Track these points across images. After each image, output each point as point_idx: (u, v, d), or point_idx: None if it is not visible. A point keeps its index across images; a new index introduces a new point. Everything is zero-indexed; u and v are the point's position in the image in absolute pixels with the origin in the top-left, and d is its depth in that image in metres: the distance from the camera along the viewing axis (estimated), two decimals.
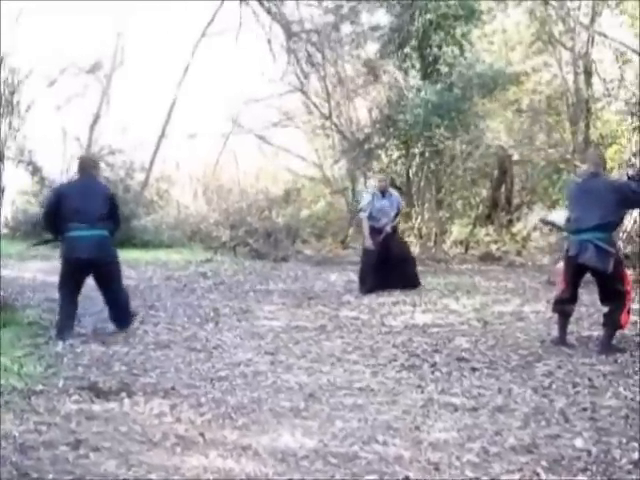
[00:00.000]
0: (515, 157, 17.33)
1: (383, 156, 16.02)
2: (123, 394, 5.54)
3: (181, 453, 4.43)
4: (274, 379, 6.14)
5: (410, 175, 17.98)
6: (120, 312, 7.90)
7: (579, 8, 14.33)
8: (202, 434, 4.74)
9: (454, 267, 14.17)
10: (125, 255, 15.06)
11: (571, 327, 8.08)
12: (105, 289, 7.83)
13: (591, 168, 7.58)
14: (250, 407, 5.36)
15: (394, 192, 11.55)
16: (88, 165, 8.08)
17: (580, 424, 5.00)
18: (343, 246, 17.64)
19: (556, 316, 7.71)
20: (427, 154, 14.93)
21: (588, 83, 14.43)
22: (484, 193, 17.12)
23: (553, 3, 14.34)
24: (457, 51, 13.58)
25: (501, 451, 4.51)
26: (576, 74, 14.00)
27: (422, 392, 5.84)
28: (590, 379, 6.12)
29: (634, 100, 15.41)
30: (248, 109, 20.20)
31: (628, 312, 7.36)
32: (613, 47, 15.27)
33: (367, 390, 5.87)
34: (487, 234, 17.39)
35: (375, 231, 10.93)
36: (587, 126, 14.13)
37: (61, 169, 18.47)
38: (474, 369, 6.52)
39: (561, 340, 7.44)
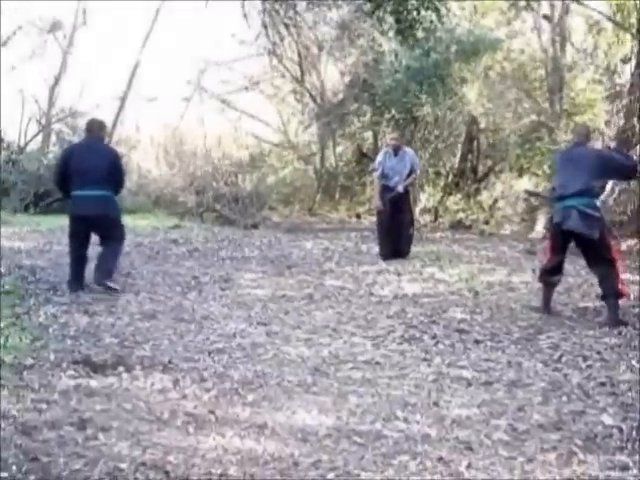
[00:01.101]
0: (482, 125, 17.20)
1: (356, 121, 15.70)
2: (120, 368, 5.23)
3: (195, 433, 4.16)
4: (274, 351, 5.88)
5: (379, 142, 17.78)
6: (102, 267, 7.94)
7: None
8: (212, 412, 4.47)
9: (427, 235, 13.96)
10: None
11: (563, 298, 8.04)
12: (103, 245, 8.09)
13: (575, 138, 7.62)
14: (256, 382, 5.11)
15: (409, 151, 11.18)
16: (94, 127, 8.20)
17: (602, 400, 4.85)
18: (310, 213, 17.39)
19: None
20: (401, 120, 14.65)
21: (562, 51, 14.25)
22: (455, 161, 16.91)
23: None
24: (434, 16, 13.26)
25: (529, 428, 4.34)
26: (553, 41, 13.81)
27: (429, 365, 5.65)
28: (599, 352, 5.98)
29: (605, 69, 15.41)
30: (211, 73, 19.77)
31: (622, 282, 7.22)
32: (586, 15, 15.14)
33: (372, 363, 5.65)
34: (455, 202, 17.26)
35: (388, 190, 10.65)
36: (560, 94, 13.98)
37: (19, 130, 17.84)
38: (477, 341, 6.35)
39: (546, 309, 7.38)
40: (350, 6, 14.25)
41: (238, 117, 21.13)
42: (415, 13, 12.75)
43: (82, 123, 17.45)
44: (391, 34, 13.04)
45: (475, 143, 17.75)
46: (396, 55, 12.90)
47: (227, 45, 20.26)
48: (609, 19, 14.38)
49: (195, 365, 5.43)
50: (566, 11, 14.45)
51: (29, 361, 5.32)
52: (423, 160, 15.02)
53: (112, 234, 8.06)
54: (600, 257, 7.14)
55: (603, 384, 5.17)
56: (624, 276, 7.83)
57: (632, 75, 14.11)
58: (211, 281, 8.92)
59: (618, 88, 15.06)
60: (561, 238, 7.30)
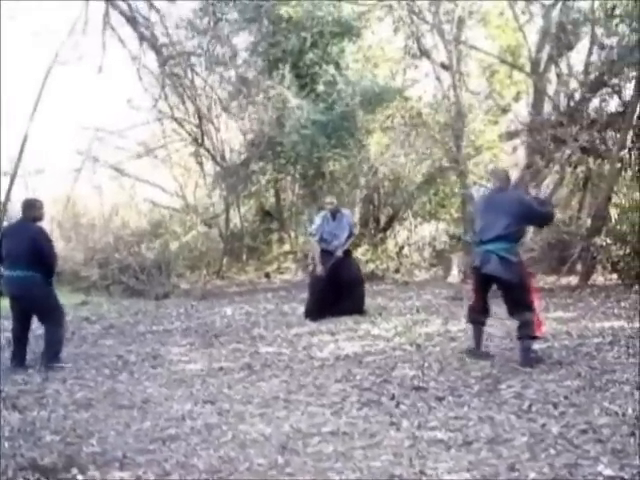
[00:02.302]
0: (384, 173, 17.22)
1: (261, 179, 15.47)
2: (74, 470, 4.74)
3: None
4: (232, 432, 5.49)
5: (281, 198, 17.61)
6: (47, 350, 8.13)
7: (447, 21, 14.37)
8: None
9: None
10: None
11: (507, 343, 7.93)
12: (41, 323, 8.32)
13: (497, 183, 7.68)
14: (225, 469, 4.72)
15: (346, 212, 11.08)
16: (23, 207, 8.28)
17: (591, 448, 4.69)
18: (219, 277, 16.96)
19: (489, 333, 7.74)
20: (308, 176, 14.51)
21: (460, 95, 14.48)
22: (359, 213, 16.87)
23: (419, 16, 14.32)
24: (334, 70, 13.27)
25: None
26: (454, 86, 14.00)
27: (398, 429, 5.38)
28: (566, 397, 5.86)
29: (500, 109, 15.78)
30: (104, 141, 19.22)
31: (539, 322, 7.24)
32: (479, 59, 15.49)
33: (340, 434, 5.34)
34: (362, 253, 17.16)
35: (327, 254, 10.45)
36: (460, 137, 14.16)
37: None
38: (439, 398, 6.12)
39: (477, 349, 7.44)
40: (249, 64, 14.10)
41: (132, 184, 20.64)
42: (315, 67, 12.72)
43: None
44: (293, 89, 12.93)
45: (376, 192, 17.74)
46: (301, 110, 12.72)
47: (118, 112, 19.77)
48: (502, 61, 14.73)
49: (153, 457, 4.98)
50: (459, 57, 14.70)
51: None
52: None
53: (45, 315, 8.16)
54: (519, 301, 7.17)
55: (585, 431, 5.01)
56: (549, 314, 7.83)
57: (530, 113, 14.45)
58: (139, 359, 8.42)
59: (514, 127, 15.42)
60: (482, 281, 7.41)
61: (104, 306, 13.06)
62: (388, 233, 18.02)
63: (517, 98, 16.36)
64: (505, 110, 16.35)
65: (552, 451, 4.68)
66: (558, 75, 14.06)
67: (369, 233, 17.60)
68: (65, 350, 8.97)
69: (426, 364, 7.34)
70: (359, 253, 17.03)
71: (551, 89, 14.71)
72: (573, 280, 11.86)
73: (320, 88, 13.35)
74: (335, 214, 10.52)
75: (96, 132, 19.63)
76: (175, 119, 15.54)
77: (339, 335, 9.09)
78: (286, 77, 12.95)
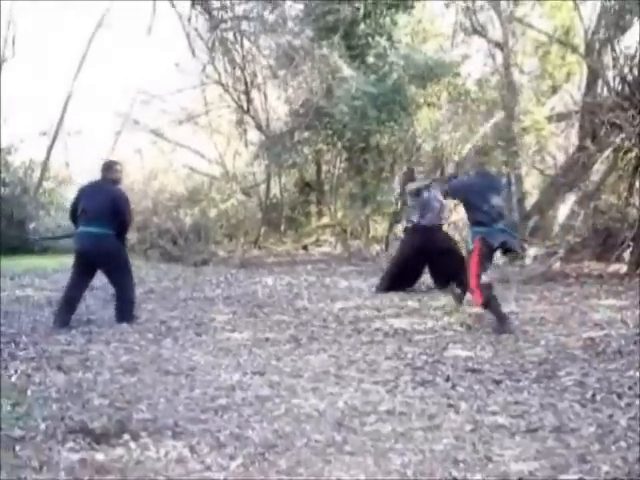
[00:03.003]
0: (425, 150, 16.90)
1: (306, 150, 15.23)
2: (125, 436, 4.60)
3: None
4: (285, 405, 5.33)
5: (322, 171, 17.37)
6: (120, 307, 8.43)
7: None
8: None
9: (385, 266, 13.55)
10: (27, 263, 13.93)
11: (560, 329, 7.69)
12: (111, 283, 8.63)
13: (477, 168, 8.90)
14: (281, 444, 4.55)
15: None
16: (103, 168, 8.59)
17: None
18: (256, 246, 16.82)
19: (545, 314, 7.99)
20: (355, 148, 14.27)
21: (510, 74, 14.13)
22: None
23: None
24: (386, 42, 12.96)
25: None
26: (508, 65, 13.65)
27: (457, 412, 5.18)
28: (631, 388, 5.61)
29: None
30: (143, 105, 19.12)
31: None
32: (531, 37, 15.12)
33: (397, 414, 5.15)
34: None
35: (421, 228, 10.19)
36: (511, 117, 13.82)
37: None
38: (496, 382, 5.90)
39: (506, 320, 7.80)
40: (299, 32, 13.83)
41: (172, 149, 20.53)
42: (367, 39, 12.43)
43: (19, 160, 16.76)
44: (344, 61, 12.65)
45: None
46: (353, 80, 12.43)
47: (163, 76, 19.61)
48: (557, 40, 14.35)
49: (206, 427, 4.83)
50: (513, 34, 14.33)
51: (17, 432, 4.64)
52: (376, 188, 14.74)
53: (115, 273, 8.42)
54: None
55: None
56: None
57: (583, 95, 14.06)
58: (182, 326, 8.29)
59: (565, 109, 15.06)
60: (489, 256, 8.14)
61: (143, 270, 12.95)
62: None
63: (567, 79, 15.94)
64: (555, 90, 15.94)
65: (622, 444, 4.46)
66: (614, 58, 13.60)
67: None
68: (106, 312, 8.93)
69: (479, 346, 7.12)
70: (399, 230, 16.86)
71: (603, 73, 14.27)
72: (621, 268, 11.53)
73: (370, 60, 13.02)
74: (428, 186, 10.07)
75: (138, 95, 19.62)
76: (222, 84, 15.33)
77: (385, 311, 8.91)
78: (337, 46, 12.67)
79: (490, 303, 7.79)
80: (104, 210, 8.11)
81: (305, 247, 16.86)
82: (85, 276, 8.50)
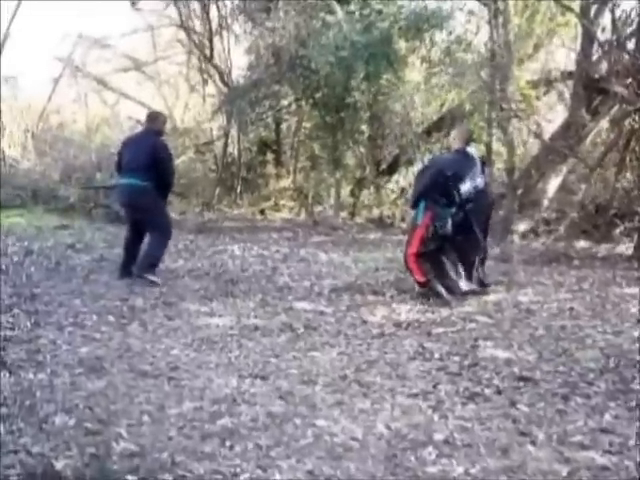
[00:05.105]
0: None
1: (273, 105, 13.74)
2: None
3: None
4: (312, 430, 4.06)
5: (281, 129, 15.97)
6: (143, 259, 7.98)
7: None
8: None
9: (358, 236, 12.33)
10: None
11: (601, 325, 6.56)
12: (148, 236, 8.16)
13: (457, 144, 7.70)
14: None
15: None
16: (147, 119, 8.50)
17: None
18: (208, 209, 15.36)
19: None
20: (331, 105, 12.83)
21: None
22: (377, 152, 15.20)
23: None
24: None
25: None
26: (491, 22, 12.35)
27: (536, 444, 3.98)
28: None
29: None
30: (92, 50, 17.43)
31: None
32: None
33: (461, 446, 3.92)
34: (366, 197, 15.69)
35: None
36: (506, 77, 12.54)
37: None
38: (562, 397, 4.70)
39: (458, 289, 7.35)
40: None
41: (117, 100, 18.89)
42: None
43: None
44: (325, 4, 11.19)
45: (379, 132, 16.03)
46: (338, 28, 10.98)
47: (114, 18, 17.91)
48: None
49: (216, 467, 3.53)
50: None
51: None
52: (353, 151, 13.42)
53: (151, 225, 8.05)
54: None
55: None
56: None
57: (577, 60, 12.94)
58: (148, 306, 6.92)
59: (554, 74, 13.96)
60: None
61: (88, 232, 11.48)
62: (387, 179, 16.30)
63: (557, 42, 14.78)
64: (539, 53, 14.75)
65: None
66: (613, 19, 12.46)
67: (371, 175, 16.01)
68: (52, 284, 7.52)
69: (514, 344, 5.94)
70: (364, 196, 15.62)
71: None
72: (627, 249, 10.47)
73: (353, 6, 11.56)
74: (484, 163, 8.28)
75: (79, 39, 17.94)
76: (184, 27, 13.71)
77: (386, 295, 7.63)
78: None
79: (430, 280, 7.30)
80: (144, 161, 7.78)
81: (262, 211, 15.46)
82: (134, 226, 8.22)
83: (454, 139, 7.90)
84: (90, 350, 5.42)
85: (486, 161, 8.27)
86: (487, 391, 4.81)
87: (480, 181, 7.49)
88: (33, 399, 4.31)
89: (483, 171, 7.71)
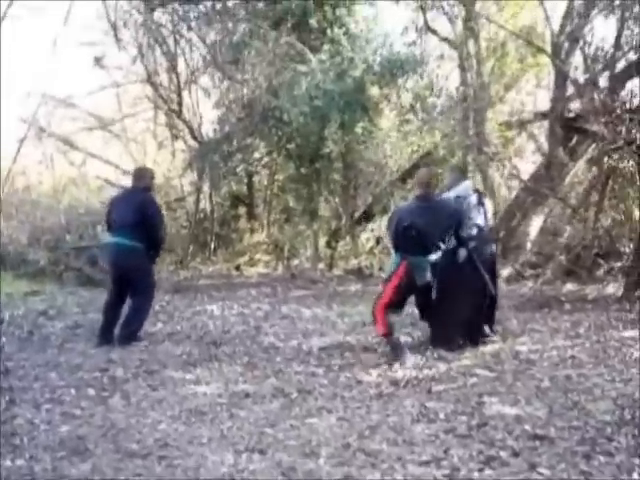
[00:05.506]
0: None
1: (245, 158, 13.45)
2: None
3: None
4: None
5: (253, 181, 15.71)
6: (125, 325, 7.72)
7: None
8: None
9: (338, 288, 12.03)
10: None
11: (608, 373, 6.28)
12: (129, 298, 7.85)
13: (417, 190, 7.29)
14: None
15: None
16: (135, 176, 8.17)
17: None
18: (182, 267, 14.99)
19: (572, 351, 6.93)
20: (305, 156, 12.58)
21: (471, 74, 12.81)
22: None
23: None
24: (341, 34, 11.36)
25: None
26: (464, 67, 12.30)
27: None
28: None
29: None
30: (54, 110, 17.11)
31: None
32: (487, 38, 13.89)
33: None
34: (345, 248, 15.40)
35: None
36: (481, 122, 12.47)
37: None
38: (584, 457, 4.38)
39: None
40: (245, 24, 12.02)
41: (83, 159, 18.53)
42: (321, 32, 10.82)
43: None
44: (296, 55, 10.97)
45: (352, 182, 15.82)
46: (309, 76, 10.74)
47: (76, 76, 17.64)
48: (525, 40, 13.12)
49: None
50: (470, 33, 12.98)
51: None
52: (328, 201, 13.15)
53: (135, 288, 7.76)
54: None
55: None
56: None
57: (552, 99, 12.87)
58: (129, 375, 6.52)
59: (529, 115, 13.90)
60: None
61: (59, 298, 11.04)
62: (361, 228, 16.04)
63: (528, 82, 14.76)
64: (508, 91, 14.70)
65: None
66: (585, 58, 12.42)
67: (347, 225, 15.76)
68: (26, 356, 7.12)
69: (521, 398, 5.63)
70: (341, 247, 15.35)
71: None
72: (617, 290, 10.22)
73: (324, 56, 11.35)
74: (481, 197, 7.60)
75: (43, 98, 17.62)
76: (151, 83, 13.44)
77: (377, 351, 7.30)
78: (289, 34, 10.94)
79: (391, 335, 6.99)
80: (132, 219, 7.55)
81: (238, 267, 15.11)
82: (118, 288, 7.85)
83: (415, 185, 7.60)
84: (71, 429, 5.02)
85: (482, 194, 7.71)
86: (502, 454, 4.49)
87: (480, 218, 7.17)
88: None
89: (481, 204, 7.34)
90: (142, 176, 8.08)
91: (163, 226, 8.20)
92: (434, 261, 6.90)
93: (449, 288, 7.05)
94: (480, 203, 7.29)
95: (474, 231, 7.18)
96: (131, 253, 7.61)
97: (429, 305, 7.27)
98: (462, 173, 8.30)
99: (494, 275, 7.51)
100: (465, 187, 7.34)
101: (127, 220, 7.58)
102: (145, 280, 7.81)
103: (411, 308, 7.61)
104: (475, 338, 7.22)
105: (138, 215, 7.56)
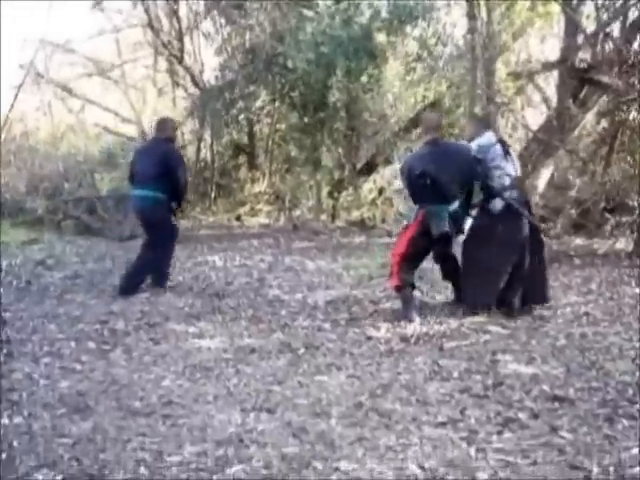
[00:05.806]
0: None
1: (249, 106, 13.11)
2: None
3: None
4: (338, 477, 3.52)
5: (255, 130, 15.36)
6: (157, 274, 7.80)
7: None
8: None
9: (342, 240, 11.80)
10: None
11: (624, 332, 6.09)
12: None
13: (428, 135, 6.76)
14: None
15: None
16: (157, 126, 8.06)
17: None
18: (183, 216, 14.71)
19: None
20: (309, 105, 12.23)
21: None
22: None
23: None
24: None
25: None
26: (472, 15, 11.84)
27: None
28: None
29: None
30: (48, 56, 16.69)
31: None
32: None
33: None
34: (348, 199, 15.12)
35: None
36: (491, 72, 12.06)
37: None
38: (607, 420, 4.20)
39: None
40: None
41: (82, 106, 18.14)
42: None
43: None
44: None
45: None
46: (319, 22, 10.37)
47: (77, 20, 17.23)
48: None
49: None
50: None
51: None
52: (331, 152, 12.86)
53: (149, 240, 7.79)
54: None
55: None
56: None
57: (562, 49, 12.48)
58: (130, 328, 6.33)
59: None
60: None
61: (58, 246, 10.83)
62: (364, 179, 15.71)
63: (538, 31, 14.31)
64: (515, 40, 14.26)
65: None
66: (597, 6, 12.02)
67: (350, 176, 15.45)
68: (24, 306, 6.93)
69: (537, 357, 5.44)
70: (344, 198, 15.07)
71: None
72: (627, 245, 9.99)
73: (329, 1, 10.93)
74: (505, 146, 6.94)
75: (41, 44, 17.19)
76: (152, 27, 13.05)
77: (384, 304, 7.10)
78: None
79: (404, 289, 6.59)
80: (155, 171, 7.45)
81: (239, 217, 14.85)
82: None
83: (423, 131, 7.02)
84: (71, 384, 4.84)
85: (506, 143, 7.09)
86: (521, 415, 4.31)
87: (510, 167, 6.71)
88: (10, 451, 3.72)
89: (508, 154, 6.75)
90: (164, 127, 7.91)
91: (186, 177, 7.95)
92: (454, 210, 6.51)
93: (482, 244, 6.58)
94: (506, 152, 6.79)
95: (506, 181, 6.68)
96: (152, 204, 7.53)
97: (447, 259, 6.92)
98: (484, 122, 7.68)
99: (537, 231, 6.94)
100: (488, 137, 6.84)
101: (150, 172, 7.47)
102: (161, 235, 7.69)
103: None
104: (510, 304, 6.58)
105: (161, 167, 7.45)
